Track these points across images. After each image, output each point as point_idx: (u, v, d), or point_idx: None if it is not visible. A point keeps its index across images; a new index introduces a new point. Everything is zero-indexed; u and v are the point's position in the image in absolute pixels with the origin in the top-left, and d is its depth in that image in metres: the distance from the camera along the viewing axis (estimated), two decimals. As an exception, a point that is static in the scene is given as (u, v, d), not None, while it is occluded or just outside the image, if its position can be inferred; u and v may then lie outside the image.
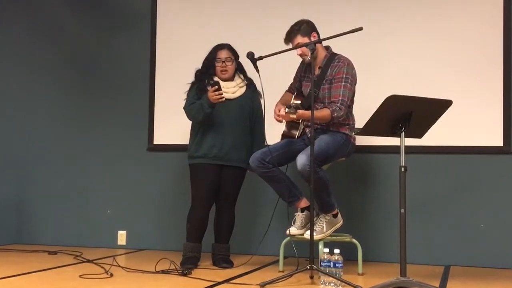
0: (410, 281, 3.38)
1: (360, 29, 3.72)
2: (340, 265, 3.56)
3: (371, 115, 3.44)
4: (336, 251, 3.59)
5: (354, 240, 4.11)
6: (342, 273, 3.57)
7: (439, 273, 4.17)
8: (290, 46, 4.05)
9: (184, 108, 4.32)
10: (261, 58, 3.95)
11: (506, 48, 4.51)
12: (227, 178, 4.32)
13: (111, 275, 3.85)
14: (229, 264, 4.28)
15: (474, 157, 4.58)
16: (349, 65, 3.99)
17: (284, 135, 4.17)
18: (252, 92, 4.39)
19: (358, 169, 4.77)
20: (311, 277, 3.65)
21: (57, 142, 5.51)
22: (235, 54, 4.35)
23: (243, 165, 4.31)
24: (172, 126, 5.13)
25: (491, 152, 4.53)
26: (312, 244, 3.65)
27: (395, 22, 4.75)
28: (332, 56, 4.07)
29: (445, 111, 3.55)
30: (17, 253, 4.89)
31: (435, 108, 3.53)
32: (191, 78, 4.39)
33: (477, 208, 4.55)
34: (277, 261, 4.20)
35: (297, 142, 4.10)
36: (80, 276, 3.79)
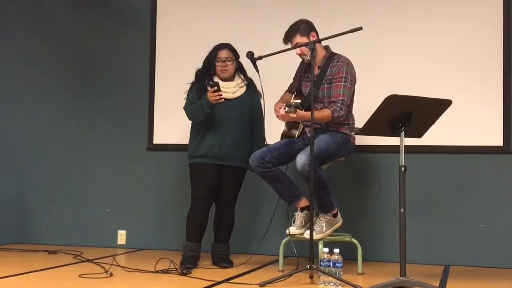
0: (410, 281, 3.39)
1: (360, 28, 3.72)
2: (340, 264, 3.56)
3: (370, 114, 3.44)
4: (336, 250, 3.59)
5: (354, 240, 4.11)
6: (341, 273, 3.58)
7: (439, 272, 4.17)
8: (289, 46, 4.05)
9: (184, 108, 4.32)
10: (260, 57, 3.95)
11: (506, 47, 4.51)
12: (227, 177, 4.32)
13: (111, 274, 3.85)
14: (229, 264, 4.28)
15: (474, 157, 4.58)
16: (349, 65, 4.00)
17: (284, 135, 4.17)
18: (252, 92, 4.39)
19: (358, 168, 4.77)
20: (311, 277, 3.66)
21: (57, 141, 5.51)
22: (235, 54, 4.35)
23: (243, 165, 4.31)
24: (172, 126, 5.13)
25: (491, 152, 4.53)
26: (311, 243, 3.65)
27: (394, 21, 4.75)
28: (331, 56, 4.07)
29: (444, 110, 3.55)
30: (17, 253, 4.89)
31: (434, 108, 3.53)
32: (191, 77, 4.39)
33: (477, 208, 4.55)
34: (276, 261, 4.21)
35: (296, 142, 4.10)
36: (80, 275, 3.79)
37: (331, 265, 3.55)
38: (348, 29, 3.72)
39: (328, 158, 3.98)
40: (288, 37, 4.05)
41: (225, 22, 5.10)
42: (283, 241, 4.12)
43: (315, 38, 4.00)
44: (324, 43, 4.07)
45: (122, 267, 4.13)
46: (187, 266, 4.06)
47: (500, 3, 4.54)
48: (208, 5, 5.19)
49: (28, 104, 5.58)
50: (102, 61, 5.46)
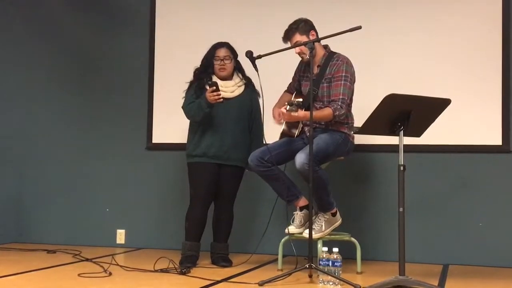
0: (409, 280, 3.39)
1: (359, 28, 3.72)
2: (339, 263, 3.56)
3: (369, 114, 3.44)
4: (335, 249, 3.59)
5: (353, 239, 4.11)
6: (341, 272, 3.58)
7: (438, 271, 4.17)
8: (289, 45, 4.05)
9: (183, 107, 4.32)
10: (259, 57, 3.95)
11: (505, 46, 4.52)
12: (226, 177, 4.32)
13: (110, 273, 3.85)
14: (228, 263, 4.28)
15: (473, 156, 4.58)
16: (348, 64, 4.00)
17: (283, 134, 4.17)
18: (251, 91, 4.39)
19: (357, 168, 4.77)
20: (310, 276, 3.66)
21: (56, 141, 5.51)
22: (233, 53, 4.35)
23: (242, 164, 4.31)
24: (171, 125, 5.13)
25: (490, 151, 4.53)
26: (311, 243, 3.65)
27: (393, 21, 4.75)
28: (330, 55, 4.07)
29: (443, 110, 3.55)
30: (16, 252, 4.89)
31: (433, 107, 3.53)
32: (190, 76, 4.39)
33: (476, 207, 4.55)
34: (276, 260, 4.21)
35: (296, 141, 4.10)
36: (79, 274, 3.79)
37: (330, 264, 3.55)
38: (347, 28, 3.72)
39: (327, 157, 3.98)
40: (287, 36, 4.05)
41: (224, 21, 5.10)
42: (282, 240, 4.12)
43: (314, 37, 4.00)
44: (323, 42, 4.07)
45: (121, 266, 4.13)
46: (186, 265, 4.06)
47: (499, 3, 4.55)
48: (207, 5, 5.19)
49: (28, 103, 5.58)
50: (102, 61, 5.46)
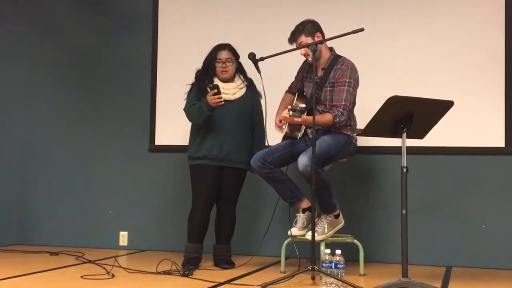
0: (412, 282, 3.38)
1: (362, 29, 3.73)
2: (342, 266, 3.56)
3: (372, 116, 3.44)
4: (338, 252, 3.59)
5: (356, 241, 4.11)
6: (343, 274, 3.57)
7: (441, 273, 4.17)
8: (294, 46, 4.04)
9: (184, 109, 4.32)
10: (262, 59, 3.95)
11: (507, 48, 4.51)
12: (228, 179, 4.32)
13: (113, 275, 3.85)
14: (230, 265, 4.28)
15: (475, 158, 4.58)
16: (353, 69, 3.99)
17: (285, 136, 4.17)
18: (252, 93, 4.38)
19: (360, 170, 4.77)
20: (313, 278, 3.65)
21: (59, 142, 5.51)
22: (235, 55, 4.35)
23: (244, 166, 4.31)
24: (173, 127, 5.13)
25: (493, 153, 4.53)
26: (313, 245, 3.65)
27: (396, 23, 4.75)
28: (335, 58, 4.06)
29: (446, 112, 3.55)
30: (19, 254, 4.90)
31: (436, 109, 3.53)
32: (192, 78, 4.40)
33: (479, 209, 4.54)
34: (278, 262, 4.21)
35: (298, 143, 4.10)
36: (81, 276, 3.79)
37: (333, 266, 3.54)
38: (350, 30, 3.72)
39: (330, 159, 3.98)
40: (293, 37, 4.05)
41: (226, 23, 5.10)
42: (285, 242, 4.12)
43: (320, 39, 3.99)
44: (328, 45, 4.07)
45: (124, 268, 4.13)
46: (189, 267, 4.06)
47: (502, 5, 4.54)
48: (209, 7, 5.19)
49: (30, 105, 5.59)
50: (104, 63, 5.47)
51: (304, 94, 4.22)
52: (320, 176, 3.79)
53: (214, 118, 4.23)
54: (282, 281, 3.62)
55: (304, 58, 4.14)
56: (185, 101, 4.35)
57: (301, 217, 4.07)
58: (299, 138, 4.10)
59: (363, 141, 4.39)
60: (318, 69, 4.03)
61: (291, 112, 3.74)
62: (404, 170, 3.43)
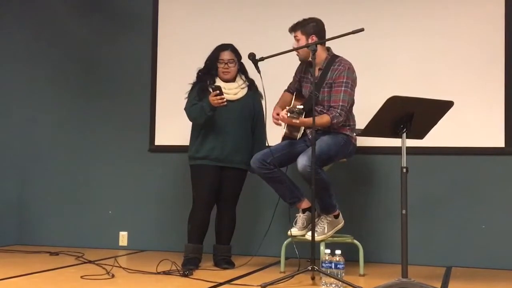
0: (412, 282, 3.38)
1: (361, 30, 3.73)
2: (342, 266, 3.56)
3: (372, 116, 3.44)
4: (338, 252, 3.59)
5: (356, 241, 4.11)
6: (343, 274, 3.57)
7: (440, 274, 4.17)
8: (292, 42, 4.06)
9: (185, 109, 4.32)
10: (262, 59, 3.95)
11: (507, 48, 4.51)
12: (228, 179, 4.32)
13: (113, 276, 3.85)
14: (230, 265, 4.28)
15: (475, 158, 4.58)
16: (350, 69, 3.99)
17: (285, 137, 4.17)
18: (254, 93, 4.38)
19: (359, 170, 4.76)
20: (313, 278, 3.66)
21: (59, 142, 5.51)
22: (238, 56, 4.35)
23: (244, 167, 4.31)
24: (173, 127, 5.13)
25: (493, 153, 4.53)
26: (313, 245, 3.65)
27: (396, 23, 4.75)
28: (332, 58, 4.06)
29: (446, 112, 3.55)
30: (19, 254, 4.90)
31: (436, 109, 3.53)
32: (192, 78, 4.40)
33: (479, 209, 4.54)
34: (278, 262, 4.21)
35: (298, 143, 4.10)
36: (81, 277, 3.79)
37: (333, 267, 3.54)
38: (350, 31, 3.73)
39: (329, 160, 3.98)
40: (293, 28, 4.07)
41: (226, 23, 5.10)
42: (285, 242, 4.12)
43: (312, 41, 3.98)
44: (328, 43, 4.07)
45: (123, 268, 4.13)
46: (189, 267, 4.06)
47: (501, 5, 4.54)
48: (209, 8, 5.19)
49: (31, 106, 5.59)
50: (104, 63, 5.47)
51: (302, 93, 4.21)
52: (319, 176, 3.79)
53: (215, 118, 4.23)
54: (282, 281, 3.62)
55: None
56: (186, 100, 4.35)
57: (301, 217, 4.08)
58: (298, 138, 4.10)
59: (363, 141, 4.39)
60: (315, 70, 4.03)
61: (289, 114, 3.74)
62: (404, 170, 3.43)
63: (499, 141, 4.50)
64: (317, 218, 4.00)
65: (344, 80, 3.95)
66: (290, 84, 4.34)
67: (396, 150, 3.66)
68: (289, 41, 4.11)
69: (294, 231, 4.04)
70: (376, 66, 4.69)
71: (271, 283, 3.55)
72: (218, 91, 4.08)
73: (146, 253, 5.07)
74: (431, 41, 4.66)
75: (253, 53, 3.98)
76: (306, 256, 3.81)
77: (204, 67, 4.37)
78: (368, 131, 3.54)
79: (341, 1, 4.87)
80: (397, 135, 3.50)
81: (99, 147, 5.42)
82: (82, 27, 5.54)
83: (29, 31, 5.64)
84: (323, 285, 3.55)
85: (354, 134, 4.07)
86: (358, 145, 4.17)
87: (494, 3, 4.56)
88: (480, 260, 4.47)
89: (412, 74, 4.66)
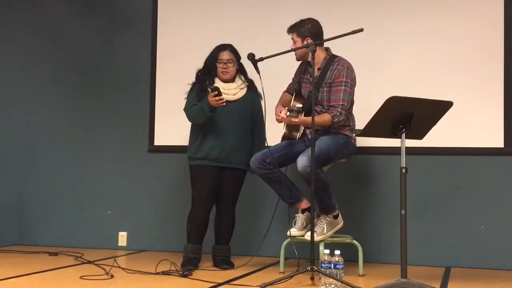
0: (411, 283, 3.38)
1: (361, 30, 3.73)
2: (341, 266, 3.56)
3: (371, 116, 3.44)
4: (337, 252, 3.59)
5: (355, 241, 4.11)
6: (342, 275, 3.57)
7: (440, 274, 4.17)
8: (291, 41, 4.07)
9: (185, 109, 4.32)
10: (261, 59, 3.95)
11: (506, 48, 4.51)
12: (228, 179, 4.32)
13: (112, 276, 3.85)
14: (230, 266, 4.28)
15: (475, 158, 4.58)
16: (349, 68, 4.00)
17: (284, 137, 4.17)
18: (253, 94, 4.38)
19: (359, 170, 4.77)
20: (312, 279, 3.65)
21: (58, 143, 5.51)
22: (237, 56, 4.35)
23: (244, 167, 4.31)
24: (173, 127, 5.13)
25: (492, 153, 4.53)
26: (312, 245, 3.65)
27: (395, 22, 4.75)
28: (331, 58, 4.07)
29: (445, 112, 3.55)
30: (18, 254, 4.89)
31: (436, 109, 3.53)
32: (192, 78, 4.40)
33: (478, 210, 4.54)
34: (277, 263, 4.20)
35: (297, 144, 4.10)
36: (80, 277, 3.79)
37: (332, 267, 3.54)
38: (349, 31, 3.73)
39: (328, 160, 3.98)
40: (290, 29, 4.08)
41: (225, 23, 5.10)
42: (284, 242, 4.11)
43: (308, 43, 3.99)
44: (328, 43, 4.07)
45: (123, 268, 4.13)
46: (188, 267, 4.06)
47: (501, 5, 4.54)
48: (208, 7, 5.19)
49: (29, 106, 5.59)
50: (103, 63, 5.47)
51: (302, 94, 4.22)
52: (319, 176, 3.79)
53: (214, 118, 4.23)
54: (281, 281, 3.62)
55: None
56: (185, 100, 4.35)
57: (300, 218, 4.08)
58: (298, 138, 4.10)
59: (362, 142, 4.39)
60: (314, 70, 4.02)
61: (288, 113, 3.74)
62: (403, 170, 3.43)
63: (499, 142, 4.50)
64: (317, 218, 4.00)
65: (344, 80, 3.95)
66: (290, 85, 4.35)
67: (396, 151, 3.66)
68: (289, 41, 4.11)
69: (294, 231, 4.04)
70: (375, 66, 4.69)
71: (271, 284, 3.55)
72: (216, 92, 4.08)
73: (145, 253, 5.07)
74: (431, 42, 4.66)
75: (252, 53, 3.98)
76: (305, 257, 3.81)
77: (203, 67, 4.38)
78: (368, 131, 3.54)
79: (341, 1, 4.87)
80: (396, 135, 3.50)
81: (98, 147, 5.42)
82: (82, 27, 5.54)
83: (29, 30, 5.64)
84: (323, 285, 3.55)
85: (354, 134, 4.07)
86: (357, 145, 4.17)
87: (493, 3, 4.56)
88: (479, 260, 4.47)
89: (412, 74, 4.66)
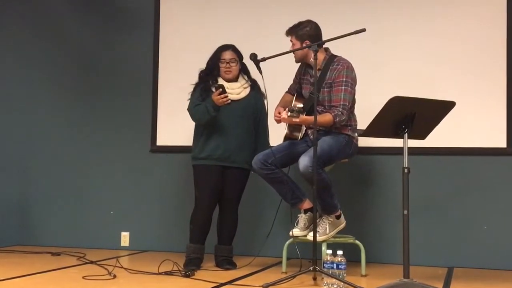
0: (413, 283, 3.38)
1: (363, 30, 3.73)
2: (343, 266, 3.55)
3: (374, 116, 3.44)
4: (339, 252, 3.58)
5: (357, 242, 4.11)
6: (345, 275, 3.57)
7: (442, 274, 4.16)
8: (290, 43, 4.07)
9: (188, 109, 4.32)
10: (264, 59, 3.96)
11: (509, 48, 4.50)
12: (231, 179, 4.32)
13: (114, 276, 3.86)
14: (232, 266, 4.28)
15: (477, 159, 4.57)
16: (349, 68, 3.99)
17: (286, 137, 4.17)
18: (256, 93, 4.39)
19: (361, 170, 4.76)
20: (314, 279, 3.66)
21: (60, 143, 5.52)
22: (239, 55, 4.35)
23: (247, 166, 4.31)
24: (175, 127, 5.13)
25: (495, 154, 4.52)
26: (315, 245, 3.65)
27: (398, 23, 4.75)
28: (331, 58, 4.06)
29: (448, 112, 3.55)
30: (21, 254, 4.90)
31: (438, 110, 3.53)
32: (194, 78, 4.40)
33: (480, 210, 4.54)
34: (280, 263, 4.20)
35: (299, 144, 4.10)
36: (83, 277, 3.79)
37: (335, 267, 3.54)
38: (352, 31, 3.73)
39: (330, 160, 3.98)
40: (288, 32, 4.08)
41: (228, 23, 5.10)
42: (287, 243, 4.12)
43: (306, 45, 3.99)
44: (327, 43, 4.07)
45: (125, 269, 4.13)
46: (191, 268, 4.07)
47: (503, 5, 4.54)
48: (211, 7, 5.19)
49: (31, 106, 5.59)
50: (106, 63, 5.47)
51: (302, 95, 4.21)
52: (321, 177, 3.79)
53: (218, 118, 4.23)
54: (284, 281, 3.62)
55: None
56: (189, 101, 4.35)
57: (302, 218, 4.08)
58: (300, 139, 4.10)
59: (365, 142, 4.39)
60: (316, 70, 4.02)
61: (289, 113, 3.74)
62: (406, 170, 3.43)
63: (501, 142, 4.50)
64: (319, 218, 4.00)
65: (344, 79, 3.95)
66: (291, 85, 4.35)
67: (398, 151, 3.65)
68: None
69: (296, 231, 4.04)
70: (377, 67, 4.69)
71: (273, 284, 3.55)
72: (221, 89, 4.09)
73: (147, 253, 5.07)
74: (433, 42, 4.66)
75: (254, 53, 3.98)
76: (307, 257, 3.81)
77: (206, 67, 4.38)
78: (370, 131, 3.54)
79: (342, 1, 4.86)
80: (398, 135, 3.50)
81: (101, 147, 5.42)
82: (83, 26, 5.54)
83: (29, 30, 5.64)
84: (325, 285, 3.55)
85: (356, 134, 4.06)
86: (359, 145, 4.16)
87: (495, 3, 4.56)
88: (482, 260, 4.47)
89: (414, 74, 4.66)
